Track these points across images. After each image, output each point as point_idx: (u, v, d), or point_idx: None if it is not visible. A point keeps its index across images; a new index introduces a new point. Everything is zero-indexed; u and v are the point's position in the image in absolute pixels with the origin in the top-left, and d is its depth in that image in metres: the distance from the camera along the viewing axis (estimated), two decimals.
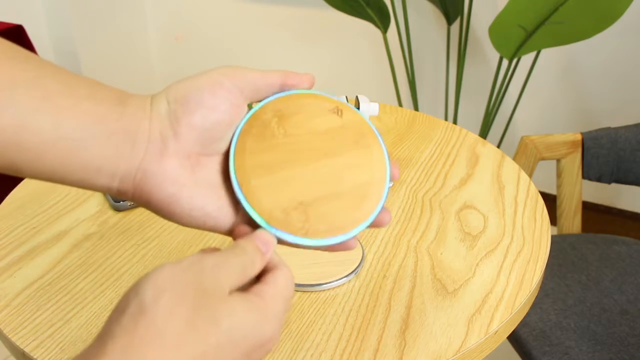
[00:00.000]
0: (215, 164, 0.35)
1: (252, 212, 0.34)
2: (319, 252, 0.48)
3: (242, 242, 0.32)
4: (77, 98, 0.32)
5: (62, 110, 0.31)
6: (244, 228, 0.35)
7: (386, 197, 0.36)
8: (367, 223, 0.35)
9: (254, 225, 0.34)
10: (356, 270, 0.57)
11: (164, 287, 0.27)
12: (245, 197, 0.34)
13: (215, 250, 0.32)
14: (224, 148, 0.36)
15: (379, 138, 0.38)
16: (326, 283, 0.55)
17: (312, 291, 0.55)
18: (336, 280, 0.56)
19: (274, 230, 0.34)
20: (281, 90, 0.37)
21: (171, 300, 0.27)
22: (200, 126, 0.34)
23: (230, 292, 0.30)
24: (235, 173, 0.35)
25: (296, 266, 0.57)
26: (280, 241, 0.34)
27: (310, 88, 0.38)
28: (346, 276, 0.56)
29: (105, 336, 0.26)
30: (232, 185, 0.34)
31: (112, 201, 0.69)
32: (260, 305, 0.30)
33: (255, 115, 0.36)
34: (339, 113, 0.38)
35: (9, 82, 0.31)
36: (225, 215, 0.35)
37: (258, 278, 0.32)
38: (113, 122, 0.33)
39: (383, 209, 0.36)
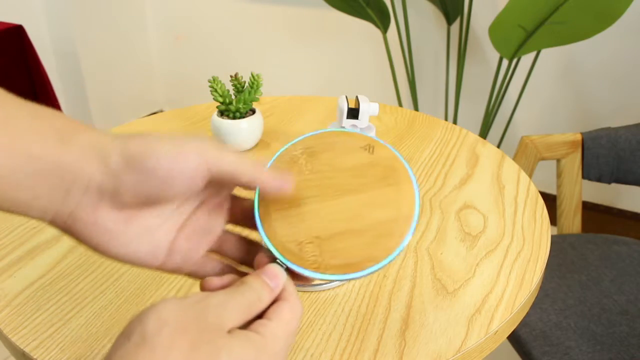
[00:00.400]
0: (152, 211, 0.35)
1: (267, 242, 0.35)
2: None
3: (250, 279, 0.33)
4: (13, 135, 0.30)
5: None
6: (263, 258, 0.35)
7: (411, 235, 0.34)
8: (384, 263, 0.34)
9: (271, 257, 0.35)
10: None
11: (167, 320, 0.28)
12: (263, 228, 0.35)
13: (224, 283, 0.33)
14: (167, 204, 0.35)
15: (411, 175, 0.37)
16: (326, 283, 0.55)
17: (312, 291, 0.55)
18: (336, 280, 0.56)
19: (285, 261, 0.34)
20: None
21: (173, 334, 0.27)
22: (145, 195, 0.33)
23: (232, 330, 0.30)
24: (257, 204, 0.35)
25: None
26: (292, 273, 0.35)
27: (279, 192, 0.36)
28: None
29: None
30: (254, 216, 0.35)
31: None
32: (260, 343, 0.30)
33: (287, 151, 0.37)
34: (370, 150, 0.37)
35: None
36: (156, 257, 0.35)
37: (266, 309, 0.33)
38: (49, 163, 0.31)
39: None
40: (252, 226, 0.36)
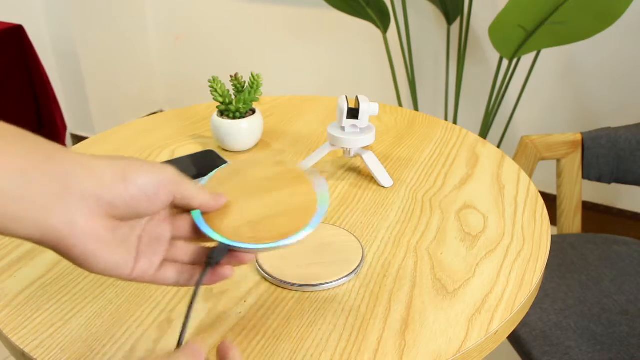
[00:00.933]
0: (128, 222, 0.39)
1: (209, 230, 0.42)
2: (321, 252, 0.57)
3: (176, 354, 0.36)
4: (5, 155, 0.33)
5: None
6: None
7: (324, 213, 0.45)
8: (310, 229, 0.43)
9: (215, 249, 0.42)
10: (356, 270, 0.57)
11: None
12: (205, 222, 0.42)
13: None
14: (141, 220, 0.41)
15: (313, 178, 0.48)
16: (326, 283, 0.55)
17: (312, 291, 0.55)
18: (336, 280, 0.56)
19: (227, 241, 0.42)
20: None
21: None
22: (134, 209, 0.38)
23: None
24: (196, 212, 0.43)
25: (296, 266, 0.57)
26: (236, 251, 0.42)
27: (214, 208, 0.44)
28: (346, 276, 0.56)
29: None
30: (193, 216, 0.43)
31: None
32: None
33: (218, 171, 0.48)
34: (280, 166, 0.49)
35: None
36: (129, 265, 0.39)
37: None
38: (45, 174, 0.34)
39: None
40: (195, 233, 0.43)
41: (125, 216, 0.38)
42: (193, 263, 0.44)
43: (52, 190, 0.34)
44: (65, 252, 0.36)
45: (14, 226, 0.34)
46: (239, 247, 0.42)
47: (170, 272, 0.42)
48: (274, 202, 0.46)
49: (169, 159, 0.80)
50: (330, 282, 0.55)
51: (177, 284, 0.43)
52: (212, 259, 0.42)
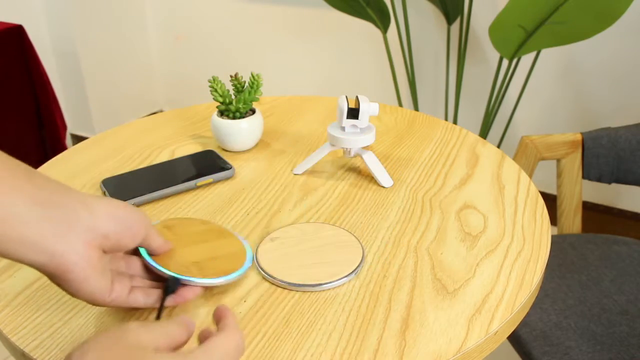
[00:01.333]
0: (109, 255, 0.47)
1: (165, 270, 0.50)
2: (321, 252, 0.60)
3: (168, 322, 0.39)
4: (20, 181, 0.40)
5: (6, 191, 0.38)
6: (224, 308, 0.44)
7: (251, 262, 0.57)
8: (242, 270, 0.54)
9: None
10: (356, 270, 0.57)
11: (88, 348, 0.33)
12: (158, 264, 0.51)
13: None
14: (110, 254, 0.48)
15: (234, 233, 0.60)
16: (326, 283, 0.55)
17: (312, 291, 0.55)
18: (336, 280, 0.56)
19: (181, 277, 0.50)
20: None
21: (97, 356, 0.32)
22: (121, 243, 0.46)
23: (157, 350, 0.35)
24: (145, 253, 0.52)
25: (297, 266, 0.57)
26: (187, 284, 0.50)
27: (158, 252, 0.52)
28: (346, 276, 0.56)
29: None
30: (147, 260, 0.51)
31: None
32: (189, 357, 0.35)
33: (157, 225, 0.58)
34: (205, 224, 0.60)
35: None
36: (108, 291, 0.45)
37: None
38: (58, 207, 0.41)
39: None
40: (145, 271, 0.52)
41: (111, 248, 0.45)
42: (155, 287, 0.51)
43: (63, 221, 0.41)
44: (62, 275, 0.41)
45: (24, 250, 0.39)
46: (191, 281, 0.50)
47: (139, 296, 0.48)
48: (208, 249, 0.56)
49: (169, 159, 0.80)
50: (330, 282, 0.55)
51: (146, 305, 0.49)
52: (168, 289, 0.49)
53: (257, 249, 0.60)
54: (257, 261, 0.58)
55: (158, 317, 0.45)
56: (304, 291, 0.55)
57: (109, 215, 0.44)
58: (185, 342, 0.39)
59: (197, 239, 0.57)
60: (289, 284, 0.55)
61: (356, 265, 0.58)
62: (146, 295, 0.49)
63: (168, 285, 0.49)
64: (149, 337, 0.35)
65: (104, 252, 0.45)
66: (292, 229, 0.63)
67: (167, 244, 0.52)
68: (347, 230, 0.63)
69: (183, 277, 0.50)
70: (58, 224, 0.41)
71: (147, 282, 0.51)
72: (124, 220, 0.45)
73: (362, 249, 0.60)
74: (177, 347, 0.38)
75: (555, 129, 1.74)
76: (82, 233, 0.42)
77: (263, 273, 0.57)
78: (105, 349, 0.33)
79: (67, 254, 0.41)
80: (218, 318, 0.41)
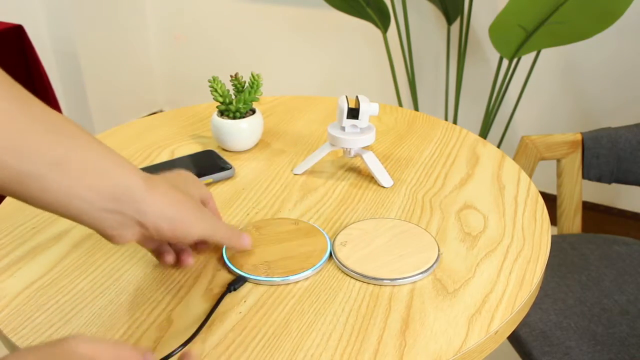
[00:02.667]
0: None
1: (232, 266, 0.57)
2: (396, 246, 0.61)
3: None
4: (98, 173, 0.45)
5: (78, 190, 0.43)
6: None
7: (327, 258, 0.59)
8: (312, 270, 0.57)
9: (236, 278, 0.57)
10: (432, 268, 0.58)
11: (27, 353, 0.34)
12: (230, 261, 0.58)
13: None
14: None
15: (323, 232, 0.63)
16: (402, 278, 0.56)
17: (389, 285, 0.56)
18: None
19: (246, 275, 0.56)
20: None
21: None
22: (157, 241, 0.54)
23: None
24: (225, 251, 0.60)
25: (382, 262, 0.58)
26: (253, 282, 0.56)
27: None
28: (422, 272, 0.57)
29: None
30: (224, 256, 0.59)
31: None
32: None
33: (244, 227, 0.64)
34: (297, 224, 0.64)
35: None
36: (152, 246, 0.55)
37: None
38: (117, 208, 0.46)
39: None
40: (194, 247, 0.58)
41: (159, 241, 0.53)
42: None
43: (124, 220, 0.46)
44: (135, 211, 0.46)
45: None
46: (254, 279, 0.56)
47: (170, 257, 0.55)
48: (288, 248, 0.59)
49: (169, 159, 0.80)
50: (406, 277, 0.56)
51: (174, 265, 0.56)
52: (232, 287, 0.55)
53: (333, 248, 0.60)
54: (337, 258, 0.59)
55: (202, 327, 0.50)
56: (382, 285, 0.56)
57: (166, 227, 0.47)
58: None
59: (282, 238, 0.61)
60: (377, 279, 0.56)
61: (435, 256, 0.59)
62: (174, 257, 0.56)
63: (233, 285, 0.55)
64: (93, 350, 0.36)
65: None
66: (352, 229, 0.63)
67: (246, 245, 0.56)
68: (412, 223, 0.65)
69: (246, 275, 0.56)
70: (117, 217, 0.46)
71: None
72: (174, 220, 0.48)
73: (438, 247, 0.61)
74: None
75: (555, 129, 1.74)
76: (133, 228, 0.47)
77: (346, 270, 0.57)
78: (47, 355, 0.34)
79: (141, 214, 0.46)
80: None
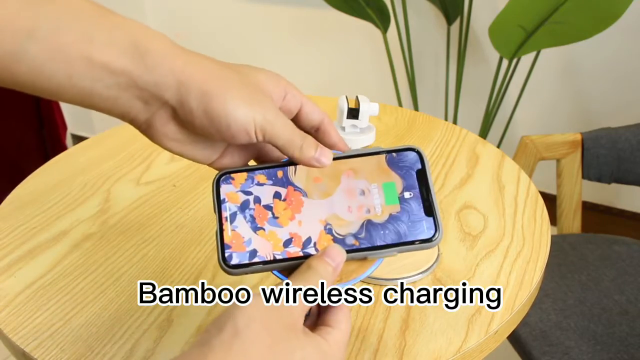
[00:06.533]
0: (207, 139, 0.40)
1: (279, 275, 0.41)
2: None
3: (314, 262, 0.37)
4: (95, 48, 0.34)
5: (75, 62, 0.34)
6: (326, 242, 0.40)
7: (380, 263, 0.42)
8: (366, 273, 0.42)
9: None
10: (432, 268, 0.58)
11: (254, 317, 0.33)
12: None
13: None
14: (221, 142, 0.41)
15: None
16: (402, 278, 0.56)
17: (388, 285, 0.56)
18: (412, 276, 0.56)
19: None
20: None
21: (259, 329, 0.33)
22: (207, 133, 0.38)
23: (306, 331, 0.35)
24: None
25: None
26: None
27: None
28: (422, 272, 0.57)
29: (204, 347, 0.32)
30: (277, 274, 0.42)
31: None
32: (326, 348, 0.35)
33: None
34: None
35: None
36: (205, 160, 0.41)
37: (322, 313, 0.38)
38: (130, 79, 0.35)
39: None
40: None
41: (201, 134, 0.39)
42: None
43: (136, 94, 0.36)
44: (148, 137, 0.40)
45: (106, 112, 0.37)
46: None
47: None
48: None
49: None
50: (407, 277, 0.56)
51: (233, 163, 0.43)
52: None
53: None
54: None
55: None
56: (381, 285, 0.56)
57: (203, 109, 0.37)
58: (331, 284, 0.37)
59: None
60: (385, 280, 0.56)
61: (435, 256, 0.59)
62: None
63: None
64: (301, 310, 0.35)
65: (204, 136, 0.39)
66: None
67: (320, 161, 0.40)
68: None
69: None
70: (132, 96, 0.37)
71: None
72: (220, 123, 0.37)
73: (438, 249, 0.61)
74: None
75: (555, 129, 1.74)
76: (160, 108, 0.38)
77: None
78: (266, 324, 0.33)
79: (147, 124, 0.39)
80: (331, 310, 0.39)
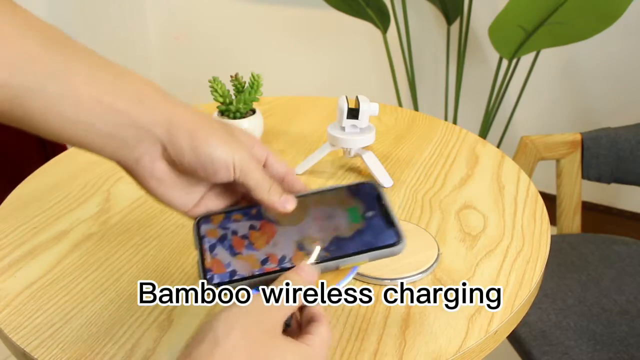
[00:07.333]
0: (192, 179, 0.43)
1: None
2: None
3: (289, 274, 0.39)
4: (101, 89, 0.38)
5: (83, 100, 0.37)
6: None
7: (356, 270, 0.45)
8: (350, 276, 0.45)
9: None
10: (432, 268, 0.58)
11: (233, 325, 0.34)
12: None
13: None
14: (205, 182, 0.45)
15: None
16: (402, 277, 0.56)
17: (386, 285, 0.56)
18: (412, 276, 0.56)
19: None
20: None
21: (238, 336, 0.34)
22: (193, 171, 0.42)
23: (285, 336, 0.36)
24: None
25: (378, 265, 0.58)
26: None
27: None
28: (422, 272, 0.57)
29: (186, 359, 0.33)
30: None
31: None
32: (306, 350, 0.36)
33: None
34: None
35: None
36: (185, 207, 0.44)
37: (304, 326, 0.39)
38: (129, 118, 0.39)
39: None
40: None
41: (187, 173, 0.42)
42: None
43: (132, 133, 0.40)
44: (134, 179, 0.42)
45: (97, 151, 0.40)
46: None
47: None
48: None
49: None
50: (407, 277, 0.56)
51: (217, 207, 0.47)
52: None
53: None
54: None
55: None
56: (382, 285, 0.56)
57: (192, 149, 0.40)
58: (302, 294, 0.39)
59: None
60: (382, 279, 0.56)
61: (435, 256, 0.59)
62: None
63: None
64: (281, 316, 0.37)
65: (190, 175, 0.43)
66: None
67: (284, 207, 0.44)
68: (411, 223, 0.65)
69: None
70: (128, 135, 0.40)
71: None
72: (205, 162, 0.41)
73: (438, 248, 0.61)
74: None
75: (555, 129, 1.74)
76: (151, 146, 0.41)
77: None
78: (246, 331, 0.34)
79: (136, 162, 0.41)
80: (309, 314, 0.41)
